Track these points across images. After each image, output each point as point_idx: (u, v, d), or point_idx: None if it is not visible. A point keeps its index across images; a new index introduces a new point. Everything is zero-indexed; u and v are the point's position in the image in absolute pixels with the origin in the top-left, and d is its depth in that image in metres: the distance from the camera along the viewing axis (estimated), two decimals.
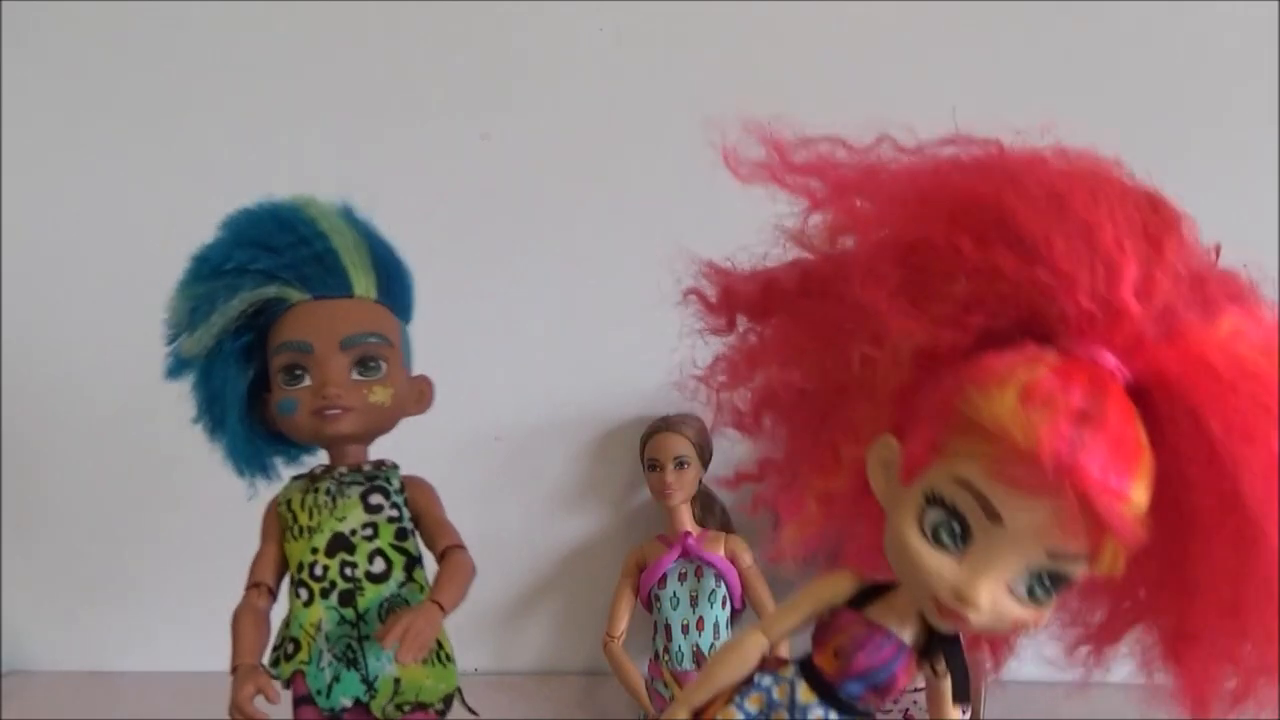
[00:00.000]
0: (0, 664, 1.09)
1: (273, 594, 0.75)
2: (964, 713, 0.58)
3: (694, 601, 0.93)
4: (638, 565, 0.96)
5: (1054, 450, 0.44)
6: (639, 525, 1.04)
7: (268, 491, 0.79)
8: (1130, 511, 0.46)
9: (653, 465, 0.95)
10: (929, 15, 0.96)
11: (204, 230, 0.75)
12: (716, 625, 0.93)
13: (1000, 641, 0.59)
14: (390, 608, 0.73)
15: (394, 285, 0.77)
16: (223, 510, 1.03)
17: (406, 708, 0.74)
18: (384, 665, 0.74)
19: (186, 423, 1.05)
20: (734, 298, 0.58)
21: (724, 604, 0.94)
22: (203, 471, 1.05)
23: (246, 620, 0.73)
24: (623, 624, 0.96)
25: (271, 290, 0.72)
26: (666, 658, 0.94)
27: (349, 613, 0.73)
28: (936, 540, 0.50)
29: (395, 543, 0.75)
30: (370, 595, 0.73)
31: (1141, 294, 0.47)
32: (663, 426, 0.94)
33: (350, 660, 0.73)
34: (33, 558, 1.09)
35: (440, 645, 0.75)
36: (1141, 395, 0.48)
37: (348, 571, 0.73)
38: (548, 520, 1.06)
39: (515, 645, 1.07)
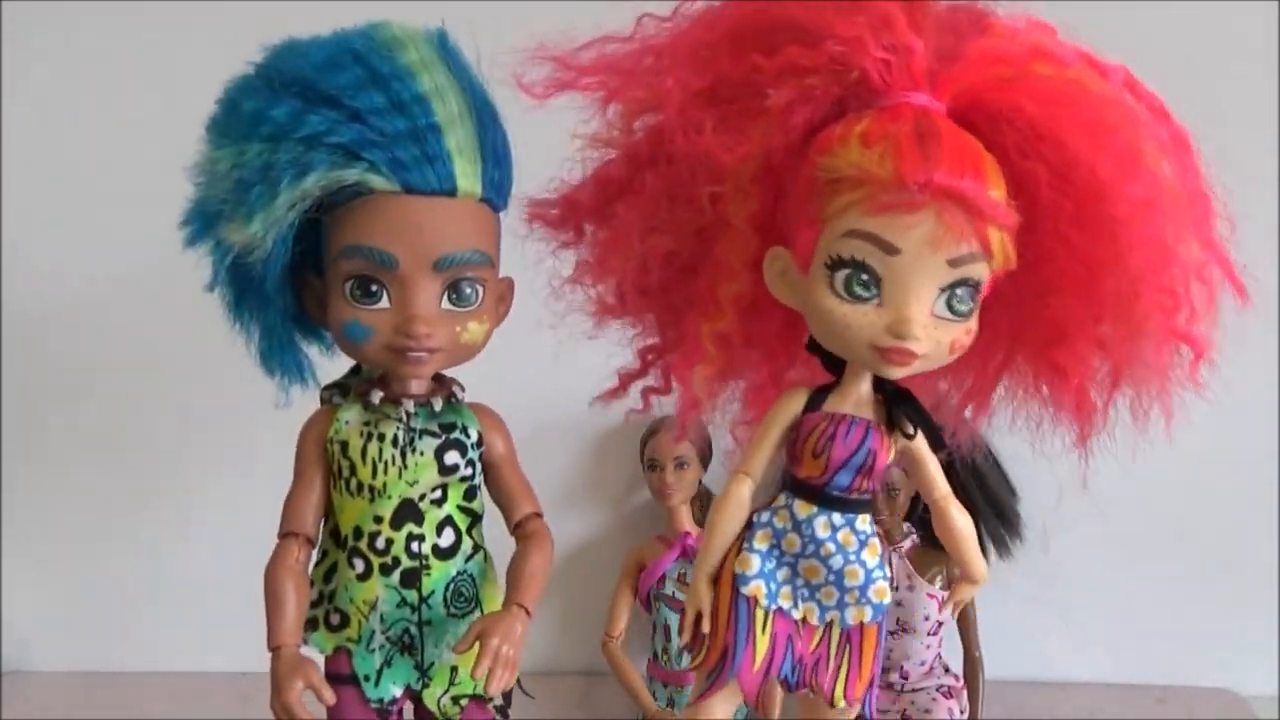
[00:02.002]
0: (0, 664, 1.09)
1: (312, 544, 0.64)
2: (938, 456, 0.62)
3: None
4: (637, 565, 0.96)
5: (910, 165, 0.50)
6: (638, 525, 1.04)
7: (304, 402, 0.66)
8: (991, 197, 0.52)
9: (652, 465, 0.95)
10: None
11: None
12: None
13: (968, 394, 0.63)
14: (457, 590, 0.64)
15: (501, 171, 0.61)
16: (223, 510, 1.04)
17: (463, 701, 0.65)
18: (442, 652, 0.64)
19: (187, 421, 1.06)
20: (575, 206, 0.63)
21: None
22: (204, 471, 1.06)
23: (286, 583, 0.61)
24: (621, 624, 0.96)
25: (353, 173, 0.56)
26: (665, 658, 0.94)
27: (411, 595, 0.63)
28: (853, 295, 0.54)
29: (464, 504, 0.64)
30: (437, 575, 0.63)
31: (916, 29, 0.54)
32: (662, 427, 0.94)
33: (406, 646, 0.64)
34: (33, 558, 1.09)
35: None
36: (963, 122, 0.54)
37: (414, 547, 0.62)
38: (547, 520, 1.05)
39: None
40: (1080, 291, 0.55)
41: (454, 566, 0.64)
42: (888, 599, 0.60)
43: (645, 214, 0.59)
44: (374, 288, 0.58)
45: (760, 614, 0.60)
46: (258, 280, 0.60)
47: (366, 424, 0.63)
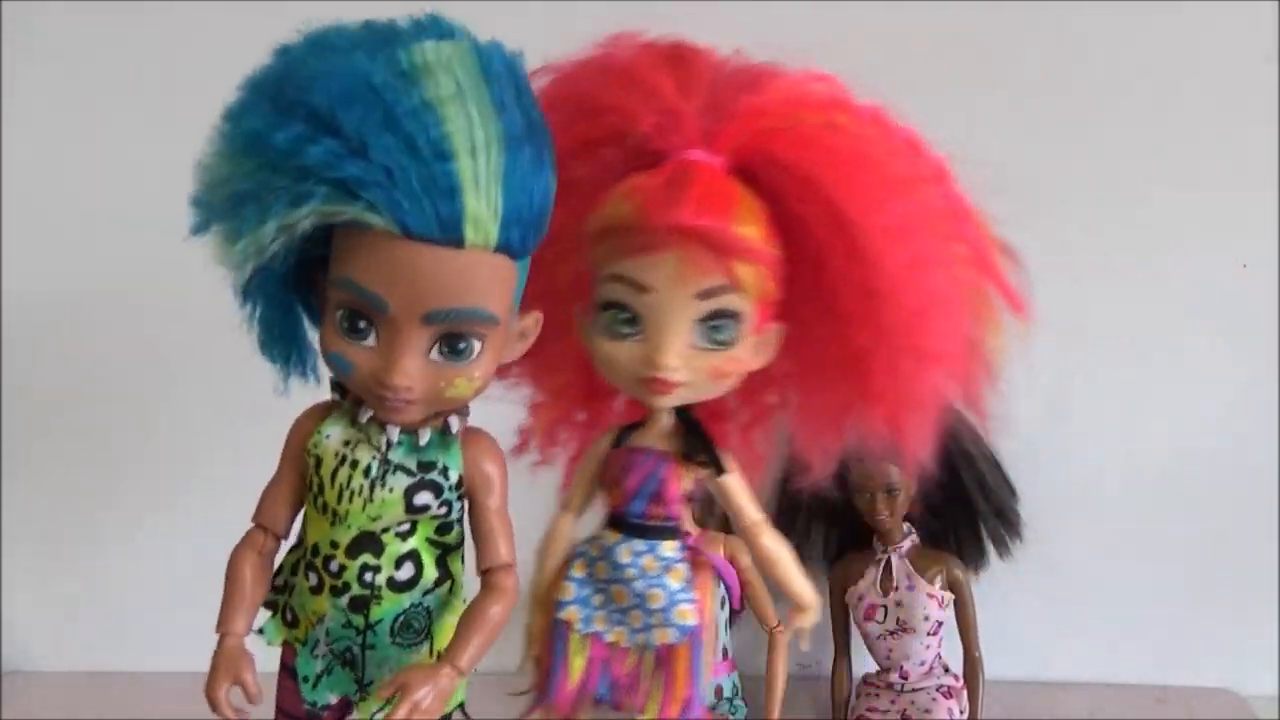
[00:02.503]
0: (0, 664, 1.09)
1: (279, 539, 0.63)
2: (714, 475, 0.64)
3: (734, 618, 0.93)
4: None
5: (656, 213, 0.55)
6: None
7: (304, 396, 0.64)
8: (737, 234, 0.56)
9: None
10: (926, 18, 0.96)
11: None
12: (716, 626, 0.93)
13: (746, 427, 0.67)
14: (405, 623, 0.61)
15: (530, 210, 0.54)
16: (223, 511, 1.04)
17: None
18: (383, 673, 0.62)
19: (186, 422, 1.06)
20: None
21: (723, 604, 0.93)
22: (204, 471, 1.06)
23: (245, 572, 0.61)
24: None
25: (351, 211, 0.51)
26: None
27: (358, 620, 0.61)
28: (617, 334, 0.59)
29: (435, 537, 0.62)
30: (388, 605, 0.61)
31: (684, 95, 0.59)
32: None
33: (348, 661, 0.62)
34: (33, 558, 1.09)
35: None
36: (749, 177, 0.59)
37: (367, 577, 0.60)
38: (549, 516, 1.06)
39: (515, 645, 1.07)
40: (868, 322, 0.59)
41: (409, 599, 0.61)
42: (692, 620, 0.63)
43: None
44: (362, 324, 0.55)
45: (575, 637, 0.64)
46: (259, 278, 0.58)
47: (346, 443, 0.60)
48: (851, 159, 0.58)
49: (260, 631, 0.64)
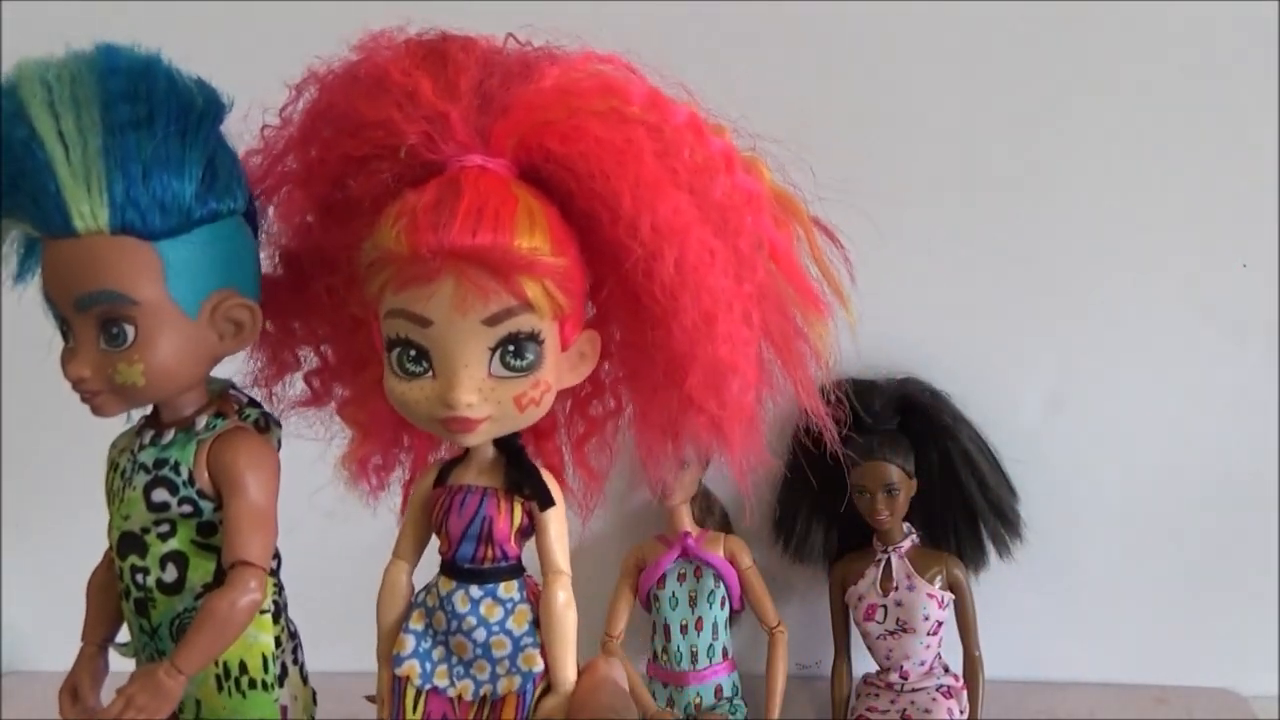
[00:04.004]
0: (0, 664, 1.09)
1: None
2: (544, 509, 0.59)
3: (693, 602, 0.93)
4: (637, 565, 0.96)
5: (423, 239, 0.50)
6: (638, 525, 1.04)
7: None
8: (514, 249, 0.51)
9: None
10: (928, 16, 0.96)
11: None
12: (715, 625, 0.93)
13: (578, 441, 0.62)
14: (181, 626, 0.60)
15: (149, 193, 0.55)
16: None
17: None
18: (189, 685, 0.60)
19: None
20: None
21: (723, 604, 0.94)
22: None
23: (93, 585, 0.65)
24: (621, 624, 0.96)
25: (12, 224, 0.57)
26: (665, 658, 0.94)
27: (144, 623, 0.62)
28: (407, 372, 0.54)
29: (200, 539, 0.60)
30: (162, 609, 0.61)
31: (449, 95, 0.53)
32: None
33: None
34: (33, 558, 1.09)
35: (244, 667, 0.61)
36: (536, 174, 0.53)
37: (139, 579, 0.61)
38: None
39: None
40: (671, 325, 0.54)
41: (180, 603, 0.61)
42: (538, 666, 0.58)
43: (291, 320, 0.63)
44: (65, 329, 0.58)
45: (411, 693, 0.59)
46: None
47: (120, 451, 0.63)
48: (623, 151, 0.52)
49: (121, 646, 0.66)
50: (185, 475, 0.60)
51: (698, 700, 0.93)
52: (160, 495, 0.60)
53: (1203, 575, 1.03)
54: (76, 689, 0.62)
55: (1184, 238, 0.97)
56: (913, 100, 0.95)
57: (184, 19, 1.00)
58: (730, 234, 0.54)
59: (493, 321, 0.52)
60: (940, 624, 0.92)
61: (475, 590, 0.58)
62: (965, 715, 0.93)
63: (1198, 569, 1.02)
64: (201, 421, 0.61)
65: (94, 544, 1.08)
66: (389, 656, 0.60)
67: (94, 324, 0.56)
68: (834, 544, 0.98)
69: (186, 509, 0.60)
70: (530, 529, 0.59)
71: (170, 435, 0.61)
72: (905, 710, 0.91)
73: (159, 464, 0.61)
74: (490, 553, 0.58)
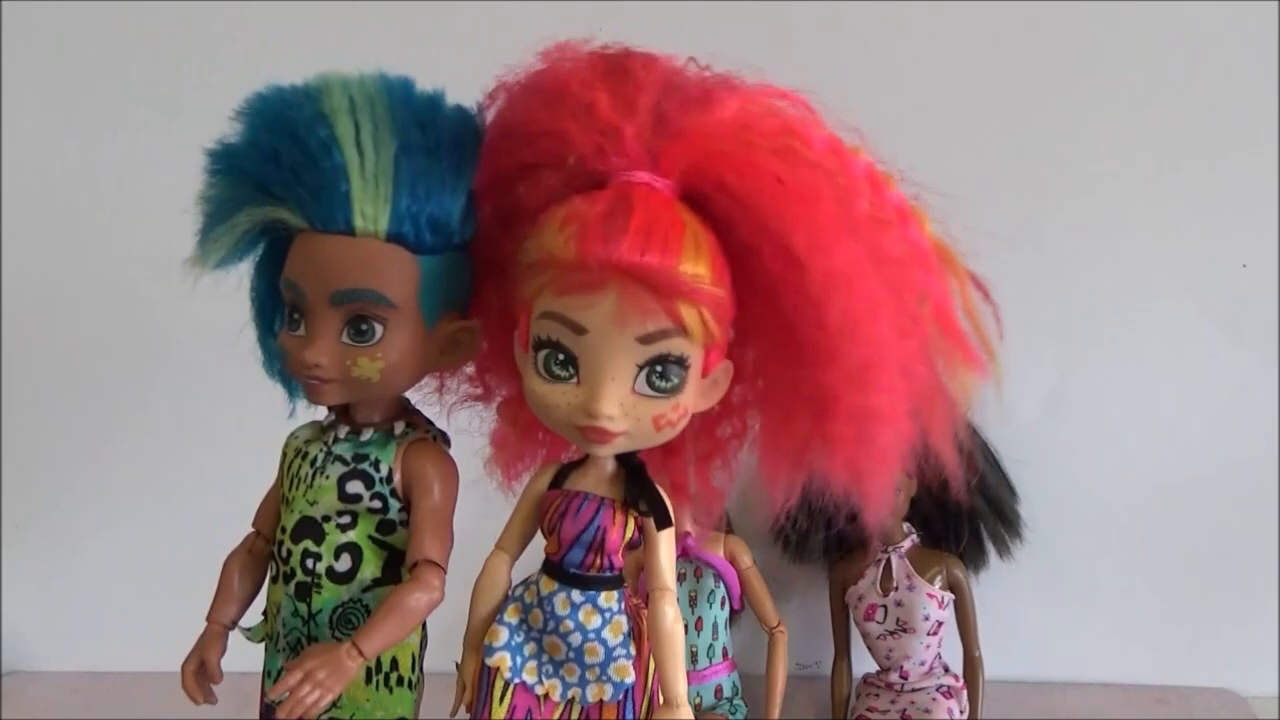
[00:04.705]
0: (0, 664, 1.09)
1: (266, 539, 0.68)
2: (663, 530, 0.60)
3: (693, 602, 0.93)
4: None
5: (591, 249, 0.51)
6: None
7: (306, 416, 0.69)
8: (682, 273, 0.52)
9: None
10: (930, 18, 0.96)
11: None
12: (715, 625, 0.93)
13: (701, 459, 0.63)
14: (344, 616, 0.64)
15: (425, 211, 0.60)
16: (224, 511, 1.04)
17: None
18: None
19: (186, 419, 1.06)
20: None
21: (723, 604, 0.94)
22: (205, 472, 1.06)
23: (232, 568, 0.68)
24: None
25: (274, 212, 0.61)
26: None
27: (303, 608, 0.64)
28: (552, 375, 0.55)
29: (377, 535, 0.64)
30: (327, 595, 0.64)
31: (626, 110, 0.54)
32: None
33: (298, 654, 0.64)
34: (33, 558, 1.09)
35: (395, 663, 0.65)
36: (699, 200, 0.54)
37: (309, 564, 0.64)
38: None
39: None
40: (824, 365, 0.54)
41: (347, 593, 0.64)
42: (630, 678, 0.60)
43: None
44: (296, 315, 0.61)
45: (500, 684, 0.60)
46: (253, 296, 0.67)
47: (308, 442, 0.66)
48: (802, 194, 0.52)
49: (248, 630, 0.69)
50: (384, 472, 0.64)
51: (698, 700, 0.93)
52: (355, 487, 0.64)
53: (1203, 575, 1.03)
54: (205, 663, 0.66)
55: (1184, 238, 0.97)
56: (912, 100, 0.95)
57: (184, 18, 1.00)
58: (898, 287, 0.54)
59: (647, 340, 0.53)
60: (940, 624, 0.92)
61: (577, 595, 0.60)
62: (965, 715, 0.93)
63: (1198, 569, 1.02)
64: (399, 427, 0.65)
65: (94, 544, 1.08)
66: (479, 644, 0.61)
67: (342, 317, 0.60)
68: (834, 544, 0.98)
69: (376, 504, 0.64)
70: (637, 542, 0.60)
71: (369, 434, 0.65)
72: (905, 710, 0.91)
73: (358, 458, 0.64)
74: (599, 561, 0.59)
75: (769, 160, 0.53)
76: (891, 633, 0.93)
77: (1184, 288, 0.98)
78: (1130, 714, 1.00)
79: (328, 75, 0.62)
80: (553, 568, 0.60)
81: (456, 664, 0.63)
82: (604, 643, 0.60)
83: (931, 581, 0.92)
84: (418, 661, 0.66)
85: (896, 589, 0.92)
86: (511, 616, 0.61)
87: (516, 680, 0.60)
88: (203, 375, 1.01)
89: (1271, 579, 1.02)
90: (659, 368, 0.54)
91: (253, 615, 0.69)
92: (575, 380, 0.55)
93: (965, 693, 0.93)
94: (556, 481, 0.61)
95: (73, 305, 1.05)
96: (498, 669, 0.60)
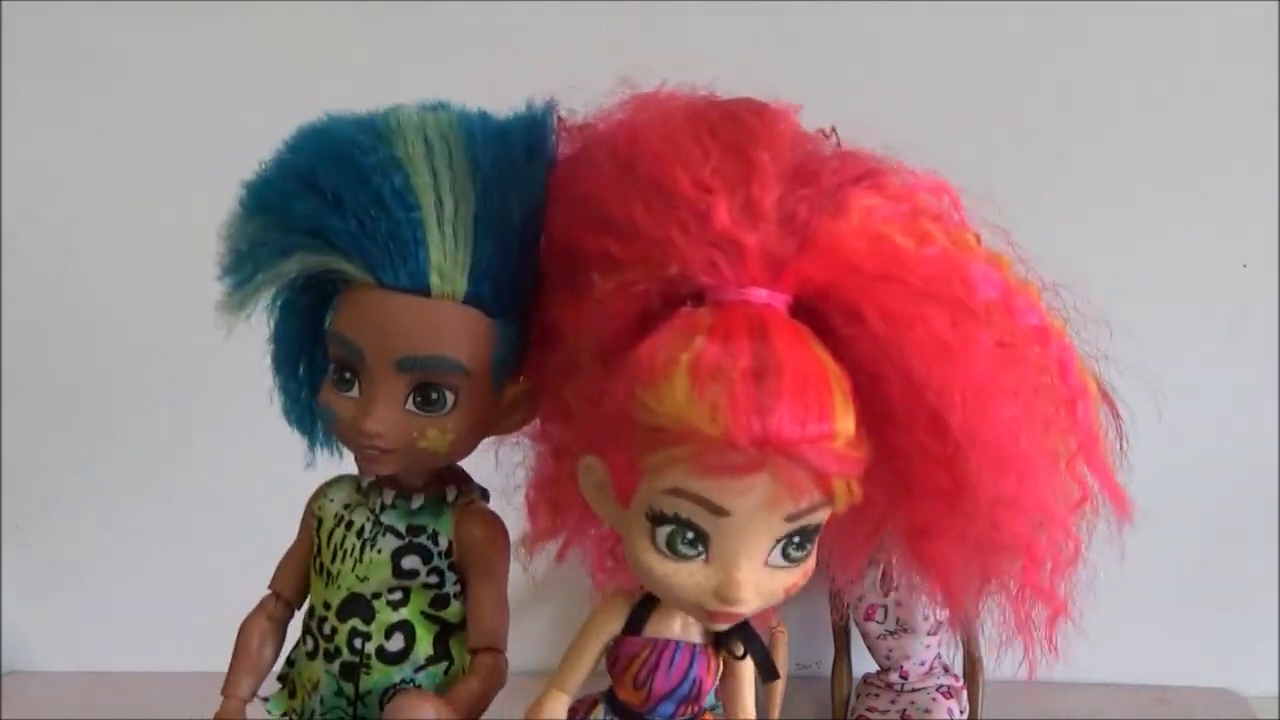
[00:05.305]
0: (0, 664, 1.09)
1: (288, 604, 0.63)
2: (767, 681, 0.57)
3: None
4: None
5: (745, 426, 0.42)
6: None
7: (327, 465, 0.66)
8: (840, 446, 0.44)
9: None
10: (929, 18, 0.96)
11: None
12: None
13: (843, 575, 0.60)
14: (395, 696, 0.59)
15: (503, 274, 0.55)
16: (227, 509, 1.04)
17: None
18: None
19: (190, 421, 1.06)
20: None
21: None
22: (206, 471, 1.06)
23: (251, 635, 0.62)
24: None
25: (331, 262, 0.54)
26: None
27: (349, 688, 0.60)
28: (676, 553, 0.48)
29: (430, 610, 0.60)
30: (378, 676, 0.59)
31: (748, 219, 0.46)
32: None
33: None
34: (33, 558, 1.09)
35: None
36: (810, 311, 0.47)
37: (357, 644, 0.59)
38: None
39: (515, 645, 1.06)
40: (943, 498, 0.49)
41: (399, 673, 0.60)
42: None
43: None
44: (348, 375, 0.56)
45: None
46: (277, 338, 0.62)
47: (347, 506, 0.61)
48: (959, 351, 0.46)
49: (265, 700, 0.64)
50: (444, 546, 0.59)
51: None
52: (411, 562, 0.59)
53: (1202, 575, 1.03)
54: None
55: (1184, 238, 0.97)
56: (912, 100, 0.95)
57: (185, 20, 1.00)
58: (1056, 440, 0.50)
59: (794, 518, 0.47)
60: (940, 624, 0.92)
61: None
62: (965, 715, 0.93)
63: (1197, 569, 1.02)
64: (451, 493, 0.60)
65: (93, 544, 1.08)
66: None
67: (408, 383, 0.55)
68: None
69: (433, 579, 0.59)
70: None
71: (419, 501, 0.60)
72: (905, 710, 0.91)
73: (414, 530, 0.59)
74: (690, 710, 0.55)
75: (923, 306, 0.46)
76: (891, 633, 0.93)
77: (1184, 287, 0.98)
78: (1130, 714, 1.00)
79: (399, 112, 0.56)
80: (632, 715, 0.55)
81: None
82: None
83: None
84: None
85: (896, 589, 0.92)
86: None
87: None
88: (204, 375, 1.01)
89: (1271, 579, 1.02)
90: (797, 539, 0.48)
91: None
92: (704, 558, 0.48)
93: (965, 693, 0.93)
94: (633, 621, 0.54)
95: (73, 305, 1.05)
96: None
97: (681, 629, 0.54)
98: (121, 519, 1.07)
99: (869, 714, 0.93)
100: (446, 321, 0.54)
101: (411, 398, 0.55)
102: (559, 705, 0.56)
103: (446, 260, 0.53)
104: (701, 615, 0.50)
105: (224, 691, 0.62)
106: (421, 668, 0.60)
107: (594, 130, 0.54)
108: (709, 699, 0.59)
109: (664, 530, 0.47)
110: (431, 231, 0.53)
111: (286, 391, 0.64)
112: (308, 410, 0.63)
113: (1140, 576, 1.03)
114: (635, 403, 0.46)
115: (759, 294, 0.47)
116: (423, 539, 0.59)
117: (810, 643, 1.02)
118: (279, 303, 0.61)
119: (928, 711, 0.91)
